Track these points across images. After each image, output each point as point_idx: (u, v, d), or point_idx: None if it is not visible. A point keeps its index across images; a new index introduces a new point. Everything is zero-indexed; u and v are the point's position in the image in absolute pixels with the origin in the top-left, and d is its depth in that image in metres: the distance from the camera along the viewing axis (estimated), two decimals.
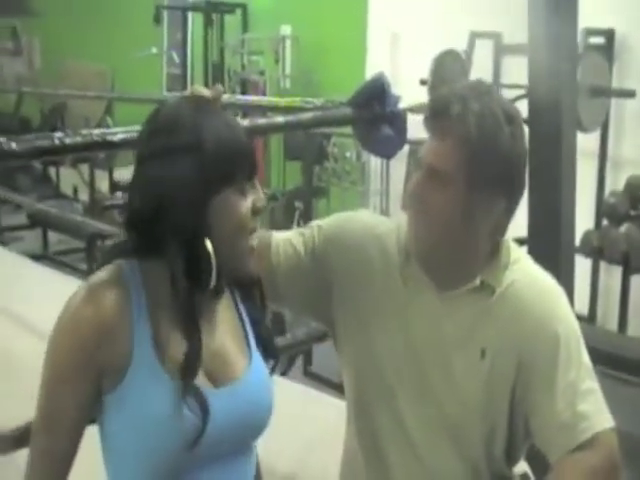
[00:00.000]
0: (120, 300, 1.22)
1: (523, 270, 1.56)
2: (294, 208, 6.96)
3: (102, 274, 1.25)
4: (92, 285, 1.24)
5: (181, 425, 1.20)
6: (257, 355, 1.36)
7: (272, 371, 1.40)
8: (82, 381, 1.22)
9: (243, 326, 1.38)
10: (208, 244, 1.23)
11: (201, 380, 1.25)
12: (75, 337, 1.21)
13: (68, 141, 1.63)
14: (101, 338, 1.20)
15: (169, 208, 1.22)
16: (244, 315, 1.39)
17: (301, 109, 2.31)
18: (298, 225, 6.42)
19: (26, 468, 1.27)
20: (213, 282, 1.23)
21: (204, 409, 1.22)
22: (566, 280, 2.17)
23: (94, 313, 1.20)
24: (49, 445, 1.25)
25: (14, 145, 1.54)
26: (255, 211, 1.27)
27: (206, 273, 1.23)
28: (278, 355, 1.44)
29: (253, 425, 1.33)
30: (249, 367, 1.33)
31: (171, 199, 1.22)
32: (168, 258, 1.23)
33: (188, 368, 1.21)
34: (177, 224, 1.22)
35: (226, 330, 1.34)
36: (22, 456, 1.98)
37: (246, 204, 1.26)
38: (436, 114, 1.48)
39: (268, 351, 1.39)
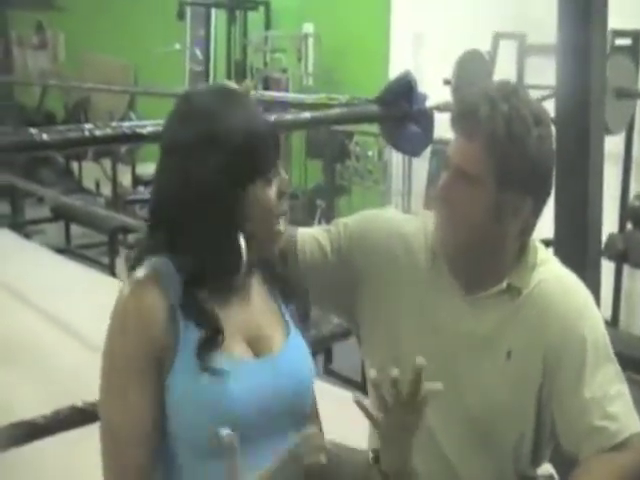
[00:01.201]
0: (159, 294, 1.27)
1: (550, 271, 1.56)
2: (316, 206, 6.95)
3: (139, 274, 1.29)
4: (132, 286, 1.29)
5: (226, 403, 1.24)
6: (295, 331, 1.40)
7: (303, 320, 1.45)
8: (143, 373, 1.25)
9: (280, 308, 1.41)
10: (241, 237, 1.26)
11: (243, 350, 1.30)
12: (124, 331, 1.26)
13: (98, 133, 1.66)
14: (148, 329, 1.25)
15: (201, 201, 1.25)
16: (277, 291, 1.42)
17: (326, 105, 2.31)
18: (319, 223, 6.42)
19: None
20: (243, 269, 1.28)
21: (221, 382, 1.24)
22: (592, 283, 2.15)
23: (137, 307, 1.26)
24: (125, 449, 1.24)
25: (45, 136, 1.56)
26: (280, 195, 1.32)
27: (236, 263, 1.27)
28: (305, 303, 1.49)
29: (298, 393, 1.35)
30: (287, 342, 1.37)
31: (204, 191, 1.25)
32: (198, 250, 1.27)
33: (203, 348, 1.25)
34: (210, 217, 1.25)
35: (261, 306, 1.37)
36: (19, 453, 2.00)
37: (272, 192, 1.30)
38: (464, 115, 1.48)
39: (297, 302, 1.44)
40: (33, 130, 1.54)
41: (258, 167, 1.28)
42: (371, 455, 1.34)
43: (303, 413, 1.38)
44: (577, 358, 1.47)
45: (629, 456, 1.43)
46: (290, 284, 1.45)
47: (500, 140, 1.42)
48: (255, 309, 1.35)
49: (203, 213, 1.26)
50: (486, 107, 1.43)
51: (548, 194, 1.52)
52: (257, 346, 1.33)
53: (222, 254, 1.28)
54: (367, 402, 1.35)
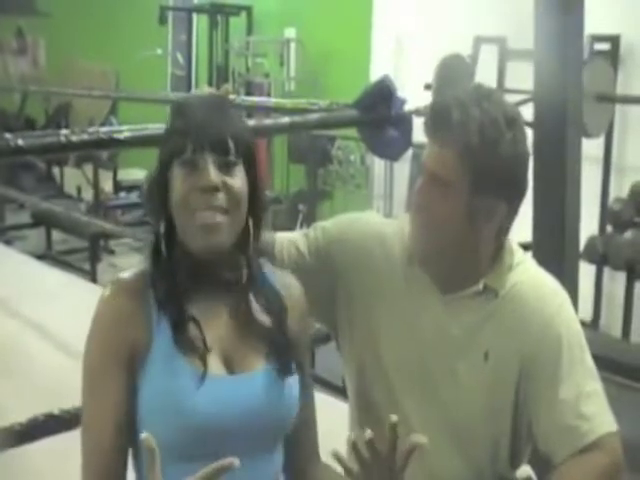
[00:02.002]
0: (138, 295, 1.29)
1: (526, 272, 1.56)
2: (298, 211, 6.96)
3: (125, 274, 1.33)
4: (112, 285, 1.32)
5: (194, 410, 1.24)
6: (277, 352, 1.36)
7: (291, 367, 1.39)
8: (117, 371, 1.26)
9: (263, 329, 1.37)
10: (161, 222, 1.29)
11: (217, 367, 1.28)
12: (101, 331, 1.29)
13: (74, 138, 1.65)
14: (121, 330, 1.27)
15: (149, 192, 1.31)
16: (264, 319, 1.38)
17: (306, 110, 2.31)
18: (301, 228, 6.42)
19: (81, 470, 1.28)
20: (164, 255, 1.29)
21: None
22: (570, 285, 2.16)
23: (113, 308, 1.29)
24: (100, 443, 1.26)
25: (21, 141, 1.55)
26: (198, 189, 1.26)
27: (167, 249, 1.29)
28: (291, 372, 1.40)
29: (273, 419, 1.32)
30: (265, 362, 1.34)
31: (150, 181, 1.30)
32: (152, 240, 1.31)
33: (177, 332, 1.27)
34: (151, 203, 1.30)
35: (248, 325, 1.35)
36: (25, 452, 2.01)
37: (190, 180, 1.26)
38: (436, 121, 1.48)
39: (283, 367, 1.36)
40: (8, 135, 1.53)
41: (177, 146, 1.27)
42: None
43: (277, 435, 1.36)
44: (552, 358, 1.48)
45: (602, 457, 1.44)
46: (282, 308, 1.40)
47: (473, 145, 1.43)
48: (239, 327, 1.33)
49: (151, 205, 1.30)
50: (458, 112, 1.44)
51: (523, 196, 1.52)
52: (233, 364, 1.31)
53: (154, 244, 1.30)
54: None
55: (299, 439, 1.42)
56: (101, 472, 1.27)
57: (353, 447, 1.28)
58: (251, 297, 1.38)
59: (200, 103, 1.34)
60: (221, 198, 1.26)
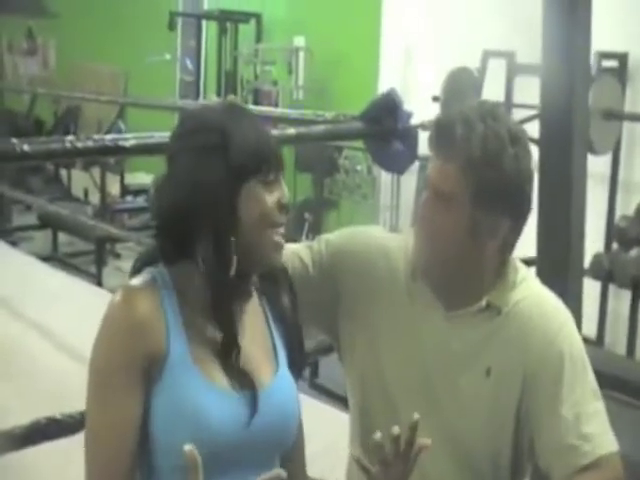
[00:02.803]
0: (152, 303, 1.27)
1: (529, 290, 1.56)
2: (304, 220, 6.96)
3: (135, 281, 1.30)
4: (125, 291, 1.29)
5: (207, 420, 1.23)
6: (284, 368, 1.37)
7: (301, 372, 1.43)
8: (127, 383, 1.24)
9: (272, 340, 1.39)
10: (232, 243, 1.27)
11: (223, 383, 1.27)
12: (114, 338, 1.26)
13: (80, 145, 1.65)
14: (137, 339, 1.24)
15: (198, 205, 1.26)
16: (274, 330, 1.40)
17: (312, 122, 2.31)
18: (307, 237, 6.42)
19: None
20: (232, 272, 1.27)
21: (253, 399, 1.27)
22: (574, 302, 2.16)
23: (128, 315, 1.25)
24: (107, 458, 1.24)
25: (26, 147, 1.55)
26: (280, 206, 1.30)
27: (225, 270, 1.27)
28: (303, 366, 1.46)
29: (277, 435, 1.33)
30: (275, 377, 1.34)
31: (199, 195, 1.26)
32: (199, 256, 1.27)
33: (226, 354, 1.27)
34: (207, 219, 1.26)
35: (254, 338, 1.35)
36: (23, 456, 2.01)
37: (271, 198, 1.29)
38: (440, 136, 1.48)
39: (295, 354, 1.41)
40: (14, 140, 1.54)
41: (252, 165, 1.28)
42: None
43: (280, 451, 1.37)
44: (554, 376, 1.48)
45: (601, 477, 1.43)
46: (290, 316, 1.42)
47: (476, 161, 1.43)
48: (246, 340, 1.32)
49: (198, 215, 1.26)
50: (462, 128, 1.44)
51: (527, 212, 1.52)
52: (241, 380, 1.30)
53: (212, 260, 1.26)
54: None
55: (291, 455, 1.42)
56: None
57: (378, 448, 1.32)
58: (265, 306, 1.39)
59: (253, 122, 1.33)
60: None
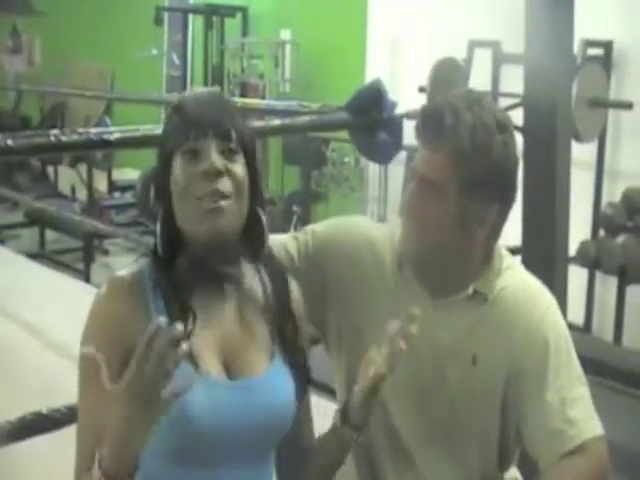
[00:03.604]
0: (137, 294, 1.28)
1: (514, 277, 1.57)
2: (292, 212, 6.96)
3: (121, 272, 1.31)
4: (110, 283, 1.30)
5: (194, 411, 1.23)
6: (279, 359, 1.36)
7: (301, 375, 1.40)
8: (112, 375, 1.24)
9: (271, 332, 1.37)
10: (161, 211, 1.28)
11: (215, 370, 1.27)
12: (97, 330, 1.27)
13: (64, 139, 1.64)
14: (120, 330, 1.25)
15: (155, 188, 1.31)
16: (275, 324, 1.38)
17: (298, 113, 2.31)
18: (295, 229, 6.42)
19: (74, 469, 1.27)
20: (160, 249, 1.28)
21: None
22: (559, 289, 2.17)
23: (112, 308, 1.27)
24: (96, 443, 1.22)
25: (10, 141, 1.55)
26: (201, 174, 1.26)
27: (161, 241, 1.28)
28: (308, 376, 1.43)
29: (271, 424, 1.32)
30: (269, 366, 1.33)
31: (152, 175, 1.31)
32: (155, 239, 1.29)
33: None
34: (147, 200, 1.29)
35: (249, 329, 1.34)
36: (17, 449, 2.01)
37: (194, 168, 1.26)
38: (428, 125, 1.48)
39: (297, 358, 1.39)
40: None
41: (173, 136, 1.28)
42: (339, 417, 1.39)
43: (274, 441, 1.36)
44: (539, 362, 1.49)
45: (588, 461, 1.44)
46: (288, 306, 1.41)
47: (464, 149, 1.43)
48: (241, 330, 1.33)
49: (148, 202, 1.31)
50: (450, 117, 1.44)
51: (513, 199, 1.53)
52: (234, 367, 1.30)
53: (160, 237, 1.29)
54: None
55: (298, 437, 1.42)
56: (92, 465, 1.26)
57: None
58: (257, 291, 1.38)
59: (198, 96, 1.34)
60: (224, 183, 1.26)
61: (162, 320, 1.07)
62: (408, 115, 2.26)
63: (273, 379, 1.33)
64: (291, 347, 1.38)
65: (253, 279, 1.38)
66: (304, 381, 1.41)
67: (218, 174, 1.25)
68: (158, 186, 1.29)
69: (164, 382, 1.07)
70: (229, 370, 1.30)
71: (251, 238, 1.34)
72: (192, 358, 1.24)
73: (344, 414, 1.39)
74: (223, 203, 1.26)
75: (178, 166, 1.27)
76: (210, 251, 1.29)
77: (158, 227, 1.29)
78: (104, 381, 1.14)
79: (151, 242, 1.36)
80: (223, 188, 1.26)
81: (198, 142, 1.26)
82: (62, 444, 1.32)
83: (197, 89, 1.62)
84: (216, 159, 1.26)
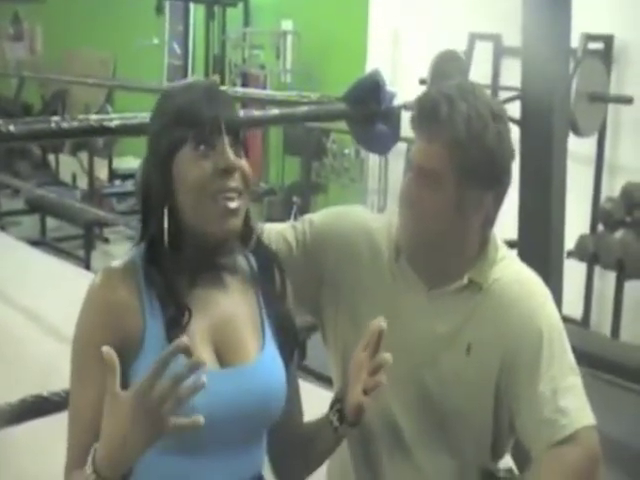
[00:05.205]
0: (131, 284, 1.28)
1: (509, 268, 1.58)
2: (292, 203, 6.97)
3: (115, 262, 1.31)
4: (104, 273, 1.30)
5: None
6: (270, 344, 1.37)
7: (292, 358, 1.40)
8: (101, 365, 1.22)
9: (261, 318, 1.38)
10: (165, 210, 1.27)
11: (208, 359, 1.27)
12: (92, 319, 1.27)
13: (65, 125, 1.65)
14: (113, 320, 1.25)
15: (147, 181, 1.28)
16: (263, 307, 1.39)
17: (297, 103, 2.32)
18: (295, 220, 6.41)
19: (66, 454, 1.27)
20: (165, 244, 1.27)
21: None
22: (555, 282, 2.18)
23: (105, 297, 1.27)
24: (86, 430, 1.24)
25: (12, 127, 1.56)
26: (218, 172, 1.25)
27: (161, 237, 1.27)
28: (298, 340, 1.44)
29: (263, 411, 1.33)
30: (261, 353, 1.34)
31: (147, 170, 1.28)
32: (148, 231, 1.28)
33: (169, 331, 1.25)
34: (151, 193, 1.28)
35: (241, 316, 1.35)
36: (18, 431, 2.02)
37: (205, 164, 1.25)
38: (424, 116, 1.50)
39: (287, 337, 1.39)
40: None
41: (181, 134, 1.25)
42: (334, 415, 1.39)
43: (265, 426, 1.37)
44: (533, 353, 1.50)
45: (579, 451, 1.45)
46: (280, 290, 1.41)
47: (461, 139, 1.45)
48: (231, 316, 1.33)
49: (148, 191, 1.29)
50: (445, 107, 1.46)
51: (508, 183, 1.54)
52: (226, 355, 1.31)
53: (150, 232, 1.28)
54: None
55: (288, 417, 1.42)
56: (84, 458, 1.24)
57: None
58: (246, 274, 1.38)
59: (193, 87, 1.31)
60: (236, 179, 1.26)
61: (184, 340, 1.08)
62: (406, 106, 2.26)
63: (265, 364, 1.33)
64: (278, 313, 1.39)
65: (243, 264, 1.39)
66: (293, 348, 1.41)
67: (234, 170, 1.26)
68: (158, 179, 1.27)
69: (173, 407, 1.08)
70: (221, 358, 1.31)
71: (243, 226, 1.34)
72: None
73: (339, 411, 1.39)
74: (237, 203, 1.27)
75: (189, 162, 1.26)
76: (216, 245, 1.30)
77: (158, 220, 1.28)
78: (111, 386, 1.12)
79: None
80: (236, 184, 1.27)
81: (213, 136, 1.26)
82: (61, 427, 1.33)
83: (187, 80, 1.60)
84: (231, 155, 1.26)
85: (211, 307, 1.32)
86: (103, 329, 1.25)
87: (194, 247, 1.30)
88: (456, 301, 1.55)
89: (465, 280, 1.55)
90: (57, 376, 1.53)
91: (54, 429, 1.32)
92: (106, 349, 1.10)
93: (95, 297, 1.28)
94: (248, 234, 1.36)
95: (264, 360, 1.34)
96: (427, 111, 1.49)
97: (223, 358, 1.31)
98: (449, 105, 1.46)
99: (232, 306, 1.34)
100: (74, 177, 8.37)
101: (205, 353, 1.28)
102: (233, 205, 1.26)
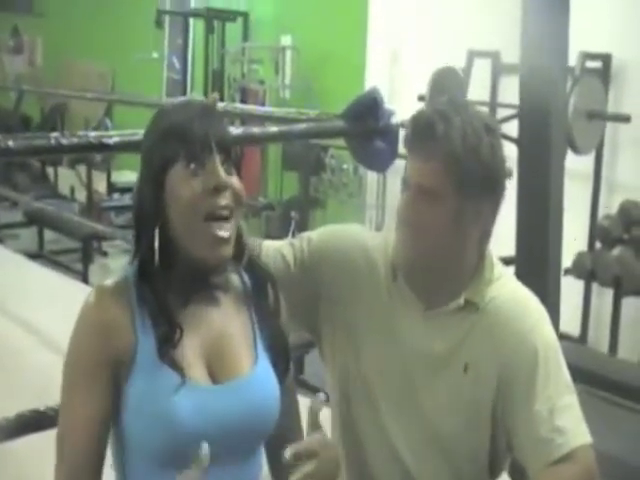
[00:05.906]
0: (123, 303, 1.28)
1: (505, 287, 1.59)
2: (290, 218, 6.97)
3: (108, 281, 1.31)
4: (96, 292, 1.30)
5: (179, 417, 1.24)
6: (263, 360, 1.37)
7: (286, 373, 1.41)
8: (97, 378, 1.26)
9: (254, 333, 1.38)
10: (156, 229, 1.27)
11: (200, 375, 1.28)
12: (83, 339, 1.28)
13: (64, 141, 1.66)
14: (104, 340, 1.26)
15: (140, 197, 1.29)
16: (256, 324, 1.39)
17: (295, 120, 2.33)
18: (293, 235, 6.41)
19: (54, 472, 1.28)
20: (156, 263, 1.27)
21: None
22: (552, 299, 2.19)
23: (97, 317, 1.27)
24: (74, 456, 1.25)
25: (11, 143, 1.56)
26: (207, 190, 1.25)
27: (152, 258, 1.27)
28: (289, 355, 1.43)
29: (257, 426, 1.33)
30: (253, 369, 1.34)
31: (140, 186, 1.29)
32: (141, 248, 1.28)
33: (160, 349, 1.25)
34: (142, 211, 1.28)
35: (233, 331, 1.35)
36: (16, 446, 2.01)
37: (195, 182, 1.25)
38: (420, 135, 1.51)
39: (280, 353, 1.39)
40: None
41: (172, 152, 1.26)
42: None
43: (260, 440, 1.37)
44: (529, 371, 1.50)
45: (576, 470, 1.45)
46: (276, 303, 1.42)
47: (457, 153, 1.46)
48: (223, 332, 1.33)
49: (140, 207, 1.29)
50: (441, 125, 1.47)
51: (502, 195, 1.55)
52: (219, 371, 1.31)
53: (141, 253, 1.28)
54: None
55: (287, 438, 1.40)
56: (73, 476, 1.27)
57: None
58: (239, 291, 1.38)
59: (188, 105, 1.32)
60: (227, 197, 1.27)
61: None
62: (404, 124, 2.27)
63: (257, 379, 1.34)
64: (271, 330, 1.39)
65: (236, 281, 1.40)
66: (287, 363, 1.41)
67: (225, 189, 1.26)
68: (150, 195, 1.27)
69: None
70: (214, 374, 1.31)
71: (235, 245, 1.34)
72: (177, 365, 1.26)
73: None
74: (228, 232, 1.27)
75: (180, 180, 1.26)
76: (209, 268, 1.31)
77: (149, 238, 1.28)
78: None
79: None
80: (227, 202, 1.27)
81: (204, 155, 1.26)
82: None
83: (185, 97, 1.60)
84: (222, 174, 1.26)
85: (203, 324, 1.32)
86: (95, 350, 1.26)
87: (186, 266, 1.30)
88: (453, 321, 1.56)
89: (462, 300, 1.55)
90: (55, 387, 1.53)
91: (50, 443, 1.31)
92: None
93: (87, 317, 1.28)
94: (241, 252, 1.36)
95: (257, 375, 1.34)
96: (423, 130, 1.49)
97: (216, 374, 1.31)
98: (445, 122, 1.47)
99: (224, 322, 1.34)
100: (72, 190, 8.37)
101: (198, 369, 1.29)
102: (224, 234, 1.27)
